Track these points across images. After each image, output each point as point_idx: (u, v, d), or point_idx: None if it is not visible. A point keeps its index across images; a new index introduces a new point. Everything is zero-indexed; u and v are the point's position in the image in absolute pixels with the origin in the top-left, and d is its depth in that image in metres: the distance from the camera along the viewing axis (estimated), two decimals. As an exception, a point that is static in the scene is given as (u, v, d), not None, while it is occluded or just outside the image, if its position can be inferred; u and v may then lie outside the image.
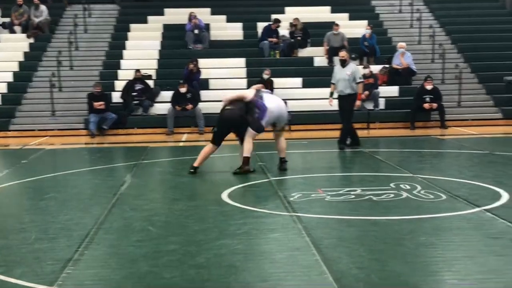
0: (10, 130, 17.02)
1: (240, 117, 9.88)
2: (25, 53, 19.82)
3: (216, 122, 10.20)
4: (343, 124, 12.97)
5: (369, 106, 17.46)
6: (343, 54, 12.85)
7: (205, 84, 18.19)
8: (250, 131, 9.93)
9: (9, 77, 18.73)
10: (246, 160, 9.94)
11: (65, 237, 6.30)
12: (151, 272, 5.20)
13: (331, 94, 13.10)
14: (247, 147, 9.92)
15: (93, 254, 5.75)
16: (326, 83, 17.50)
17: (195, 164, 10.08)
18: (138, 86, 17.40)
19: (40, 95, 18.03)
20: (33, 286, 4.91)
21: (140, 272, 5.20)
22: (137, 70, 17.75)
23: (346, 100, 12.68)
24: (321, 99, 17.51)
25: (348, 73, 12.56)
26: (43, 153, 13.30)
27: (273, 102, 10.09)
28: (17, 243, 6.16)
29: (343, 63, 12.77)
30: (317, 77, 18.50)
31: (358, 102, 12.87)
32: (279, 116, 10.13)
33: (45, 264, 5.44)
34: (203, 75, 18.11)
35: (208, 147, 10.16)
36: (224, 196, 8.23)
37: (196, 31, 19.88)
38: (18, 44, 20.18)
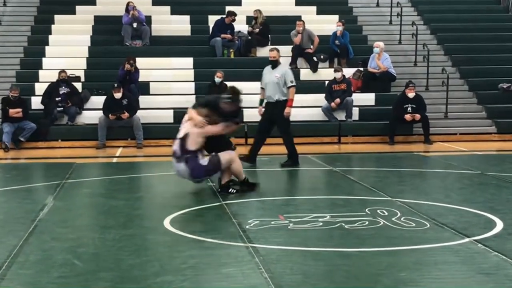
0: None
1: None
2: None
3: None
4: (256, 137, 13.15)
5: (341, 116, 17.58)
6: (273, 54, 12.84)
7: (144, 88, 18.10)
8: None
9: None
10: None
11: (-29, 273, 6.20)
12: (76, 315, 5.14)
13: (261, 101, 13.16)
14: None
15: (5, 294, 5.67)
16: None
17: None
18: (63, 90, 17.22)
19: None
20: None
21: (63, 316, 5.13)
22: (62, 71, 17.57)
23: (273, 108, 12.72)
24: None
25: (277, 75, 12.58)
26: None
27: None
28: None
29: (274, 64, 12.80)
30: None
31: (287, 109, 12.73)
32: None
33: None
34: (142, 78, 18.01)
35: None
36: (167, 222, 8.19)
37: (134, 25, 19.82)
38: None
